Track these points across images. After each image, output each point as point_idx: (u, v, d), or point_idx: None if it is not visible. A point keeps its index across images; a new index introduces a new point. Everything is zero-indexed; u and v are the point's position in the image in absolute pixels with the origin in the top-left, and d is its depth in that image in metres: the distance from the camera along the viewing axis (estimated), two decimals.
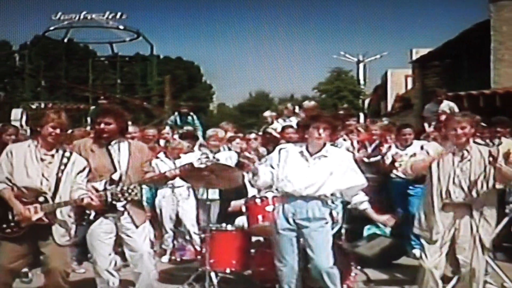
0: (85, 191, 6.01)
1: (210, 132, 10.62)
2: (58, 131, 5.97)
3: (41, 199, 5.84)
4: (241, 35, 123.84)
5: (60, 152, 6.08)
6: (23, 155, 5.95)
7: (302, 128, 6.52)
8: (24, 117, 22.19)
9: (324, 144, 6.30)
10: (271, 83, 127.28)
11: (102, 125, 6.43)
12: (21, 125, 18.69)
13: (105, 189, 6.16)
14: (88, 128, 13.65)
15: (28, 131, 12.80)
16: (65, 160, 6.03)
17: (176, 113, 15.80)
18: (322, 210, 6.20)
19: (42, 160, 5.97)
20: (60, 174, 5.95)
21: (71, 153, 6.14)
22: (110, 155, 6.40)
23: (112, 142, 6.46)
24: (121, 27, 47.25)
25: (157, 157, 9.34)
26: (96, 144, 6.48)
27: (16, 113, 23.04)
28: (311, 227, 6.16)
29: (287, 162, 6.29)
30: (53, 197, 5.88)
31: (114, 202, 6.20)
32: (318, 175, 6.19)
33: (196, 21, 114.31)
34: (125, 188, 6.05)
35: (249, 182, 8.01)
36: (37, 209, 5.80)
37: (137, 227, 6.44)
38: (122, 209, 6.36)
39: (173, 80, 44.05)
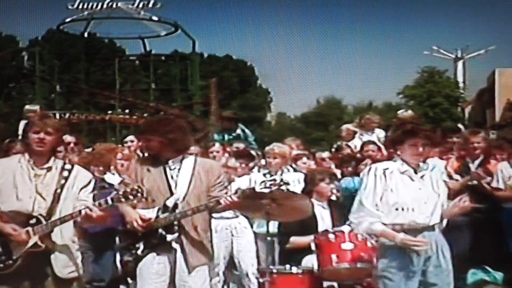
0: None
1: (267, 148, 10.65)
2: (42, 135, 5.89)
3: (32, 220, 5.80)
4: (305, 29, 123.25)
5: (59, 163, 6.09)
6: (12, 173, 5.93)
7: (393, 144, 6.50)
8: None
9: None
10: (344, 87, 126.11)
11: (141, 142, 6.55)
12: None
13: (157, 217, 6.23)
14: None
15: None
16: (65, 173, 6.02)
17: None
18: (443, 242, 6.21)
19: (36, 176, 5.94)
20: (59, 190, 5.94)
21: (72, 165, 6.16)
22: (167, 176, 6.50)
23: (170, 161, 6.55)
24: (155, 18, 47.83)
25: None
26: (152, 162, 6.59)
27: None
28: (442, 267, 6.16)
29: (396, 186, 6.21)
30: (49, 217, 5.84)
31: (164, 234, 6.29)
32: (430, 196, 6.20)
33: (248, 11, 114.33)
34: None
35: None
36: (29, 233, 5.76)
37: (192, 269, 6.48)
38: (176, 245, 6.44)
39: (220, 84, 44.42)
